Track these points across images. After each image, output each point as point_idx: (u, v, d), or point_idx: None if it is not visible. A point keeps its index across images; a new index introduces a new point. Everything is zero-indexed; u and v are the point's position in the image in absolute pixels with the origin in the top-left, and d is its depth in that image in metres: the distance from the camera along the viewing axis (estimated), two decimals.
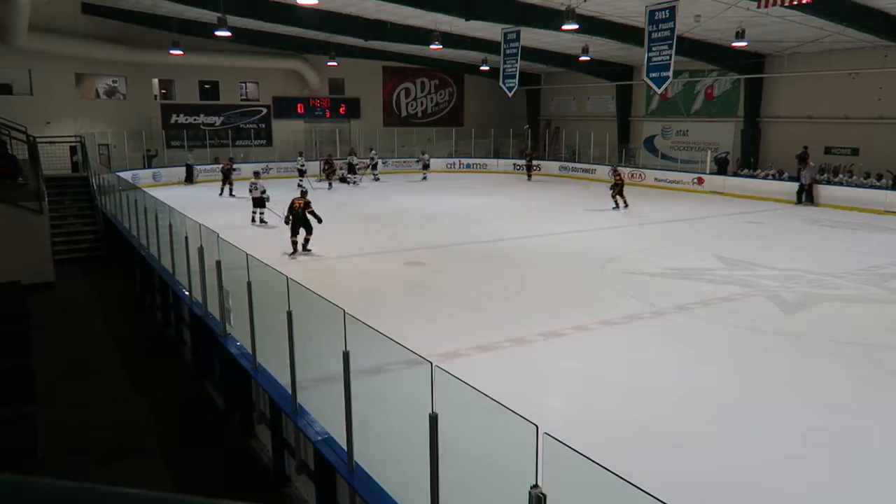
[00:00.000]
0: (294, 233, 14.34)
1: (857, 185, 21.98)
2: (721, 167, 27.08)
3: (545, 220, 19.60)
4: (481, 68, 31.10)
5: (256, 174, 19.35)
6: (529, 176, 30.85)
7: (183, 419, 8.21)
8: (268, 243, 14.75)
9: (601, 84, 32.80)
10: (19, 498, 0.71)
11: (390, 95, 36.65)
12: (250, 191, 18.54)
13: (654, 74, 18.73)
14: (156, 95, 31.04)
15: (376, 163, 31.01)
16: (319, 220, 14.21)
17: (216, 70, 30.98)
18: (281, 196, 17.85)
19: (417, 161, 32.02)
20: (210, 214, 16.01)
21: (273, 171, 29.69)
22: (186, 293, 9.17)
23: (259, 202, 18.18)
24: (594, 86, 33.43)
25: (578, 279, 12.57)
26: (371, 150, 31.97)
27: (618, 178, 22.05)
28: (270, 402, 6.45)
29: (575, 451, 2.61)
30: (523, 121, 37.59)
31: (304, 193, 14.88)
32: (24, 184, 15.43)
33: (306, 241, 14.54)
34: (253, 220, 18.24)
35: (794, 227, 18.74)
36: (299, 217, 14.30)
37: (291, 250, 14.30)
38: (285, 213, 14.50)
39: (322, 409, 5.42)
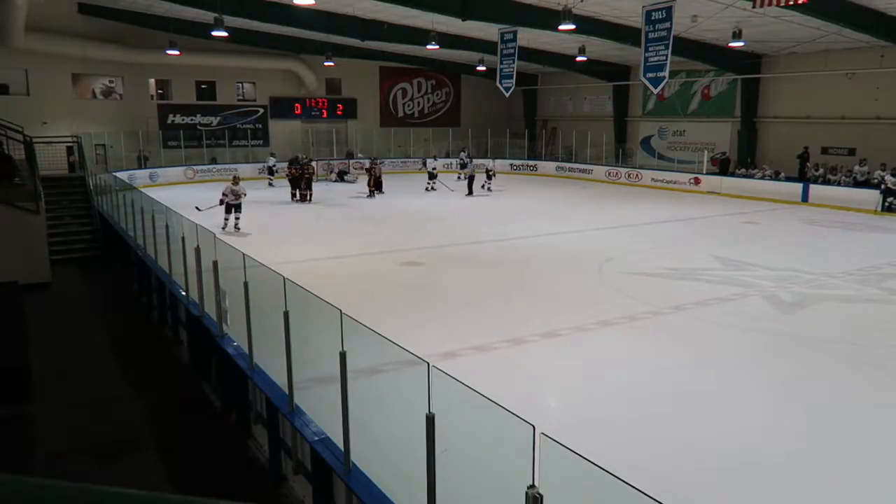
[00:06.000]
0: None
1: (854, 186, 22.04)
2: (723, 167, 27.13)
3: (542, 220, 19.61)
4: (478, 68, 31.12)
5: (236, 179, 17.48)
6: (371, 193, 24.57)
7: (180, 419, 8.20)
8: (267, 244, 14.74)
9: (598, 84, 32.83)
10: (19, 498, 0.71)
11: (387, 95, 36.64)
12: (224, 194, 16.91)
13: (650, 75, 18.77)
14: (152, 95, 30.98)
15: (466, 163, 29.73)
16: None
17: (213, 70, 30.93)
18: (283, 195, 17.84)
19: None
20: (208, 214, 15.98)
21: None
22: (183, 293, 9.16)
23: (236, 207, 16.93)
24: (591, 86, 33.46)
25: (576, 279, 12.58)
26: (462, 150, 32.27)
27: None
28: (267, 403, 6.44)
29: (572, 451, 2.61)
30: (521, 121, 37.60)
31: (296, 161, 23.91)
32: (20, 184, 15.39)
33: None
34: (224, 227, 16.54)
35: (791, 227, 18.78)
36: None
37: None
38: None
39: (319, 410, 5.42)
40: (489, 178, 26.18)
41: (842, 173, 22.95)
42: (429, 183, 26.24)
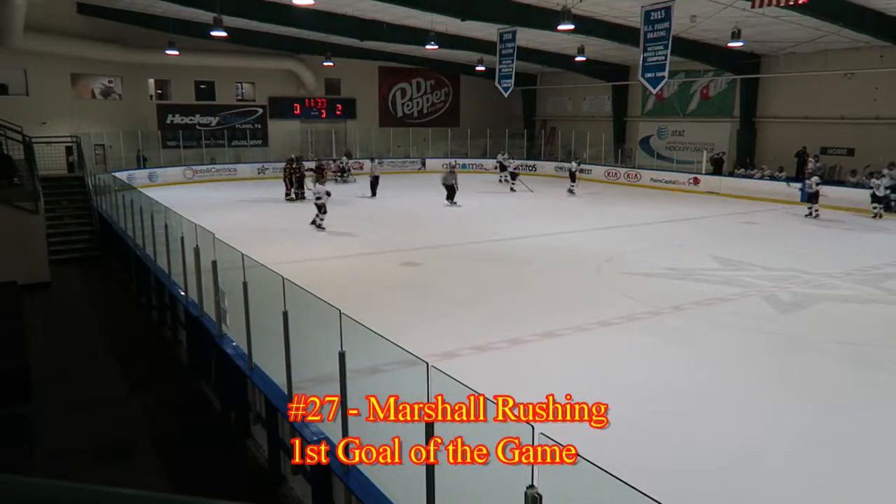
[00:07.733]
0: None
1: (853, 186, 22.02)
2: (716, 166, 27.14)
3: (540, 220, 19.61)
4: (477, 68, 31.13)
5: (319, 178, 18.88)
6: (292, 193, 24.02)
7: (179, 419, 8.20)
8: (266, 243, 14.72)
9: (597, 84, 32.84)
10: (19, 498, 0.71)
11: (386, 96, 36.65)
12: (318, 197, 18.02)
13: (649, 75, 18.77)
14: (151, 96, 30.99)
15: (507, 165, 28.41)
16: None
17: (212, 70, 30.94)
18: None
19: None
20: (207, 215, 15.98)
21: (269, 171, 29.70)
22: (182, 293, 9.16)
23: (321, 207, 17.86)
24: (590, 86, 33.46)
25: (575, 279, 12.58)
26: (503, 153, 31.21)
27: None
28: (266, 403, 6.44)
29: (571, 450, 2.61)
30: (520, 121, 37.60)
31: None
32: (19, 184, 15.37)
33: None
34: (317, 225, 17.84)
35: (790, 227, 18.80)
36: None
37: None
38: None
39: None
40: (574, 179, 26.18)
41: (867, 177, 22.46)
42: (512, 183, 27.05)
